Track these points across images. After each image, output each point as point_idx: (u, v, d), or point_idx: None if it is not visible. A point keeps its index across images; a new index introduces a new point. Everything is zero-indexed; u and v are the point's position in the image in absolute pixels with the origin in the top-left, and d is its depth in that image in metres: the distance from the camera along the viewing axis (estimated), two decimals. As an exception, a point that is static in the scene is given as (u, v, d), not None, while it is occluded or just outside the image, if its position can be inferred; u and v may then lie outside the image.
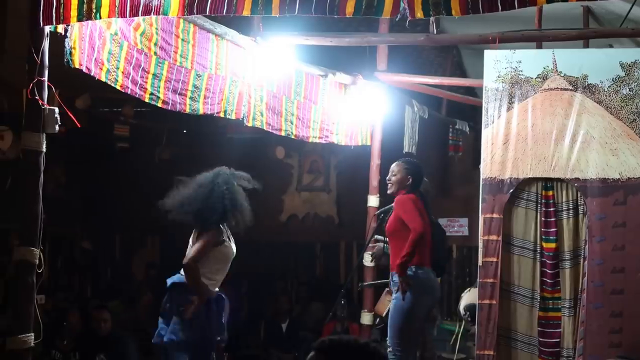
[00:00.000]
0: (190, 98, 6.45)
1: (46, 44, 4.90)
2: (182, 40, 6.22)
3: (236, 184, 6.69)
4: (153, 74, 5.95)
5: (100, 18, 4.88)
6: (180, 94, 6.32)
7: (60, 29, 5.00)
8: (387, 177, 7.49)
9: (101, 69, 5.42)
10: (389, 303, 7.74)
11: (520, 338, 7.47)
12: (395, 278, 7.08)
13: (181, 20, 6.19)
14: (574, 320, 7.33)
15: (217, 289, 6.61)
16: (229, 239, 6.65)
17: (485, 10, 4.49)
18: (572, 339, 7.32)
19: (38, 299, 4.99)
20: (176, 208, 6.56)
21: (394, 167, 7.49)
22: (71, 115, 5.20)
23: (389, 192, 7.47)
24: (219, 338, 6.63)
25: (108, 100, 9.96)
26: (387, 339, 7.24)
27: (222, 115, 6.93)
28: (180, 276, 6.51)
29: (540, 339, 7.40)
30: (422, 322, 7.34)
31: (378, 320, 8.52)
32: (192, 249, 6.39)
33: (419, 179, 7.43)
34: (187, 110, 6.47)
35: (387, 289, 8.05)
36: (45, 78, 4.90)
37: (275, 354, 10.54)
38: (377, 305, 8.49)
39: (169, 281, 6.57)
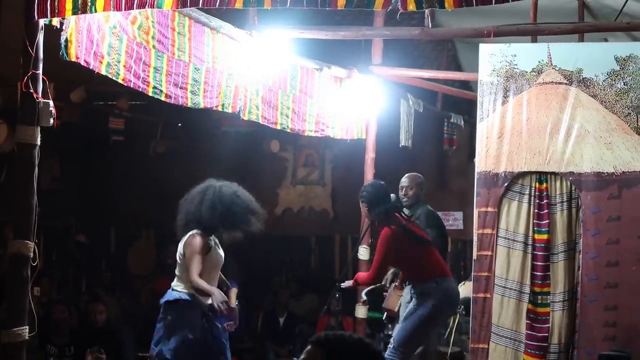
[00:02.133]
0: (191, 92, 6.46)
1: (41, 37, 4.89)
2: (179, 33, 6.21)
3: (226, 194, 6.63)
4: (154, 68, 5.95)
5: (96, 11, 4.87)
6: (181, 88, 6.32)
7: (56, 22, 4.99)
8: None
9: (101, 62, 5.41)
10: (399, 298, 7.84)
11: (506, 334, 7.47)
12: (420, 289, 7.19)
13: (176, 14, 6.18)
14: (564, 314, 7.34)
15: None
16: (217, 246, 6.65)
17: (478, 4, 4.48)
18: (563, 334, 7.33)
19: (34, 291, 4.99)
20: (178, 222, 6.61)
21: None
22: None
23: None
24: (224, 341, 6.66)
25: (103, 93, 9.96)
26: (392, 337, 7.28)
27: (220, 108, 6.94)
28: (173, 293, 6.51)
29: (528, 332, 7.40)
30: (434, 331, 7.44)
31: (386, 315, 8.52)
32: (189, 268, 6.39)
33: (379, 203, 7.32)
34: (189, 104, 6.47)
35: (394, 283, 8.11)
36: (40, 71, 4.89)
37: (271, 347, 10.55)
38: (386, 301, 8.49)
39: (163, 300, 6.57)
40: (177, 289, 6.51)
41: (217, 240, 6.70)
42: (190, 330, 6.37)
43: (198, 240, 6.45)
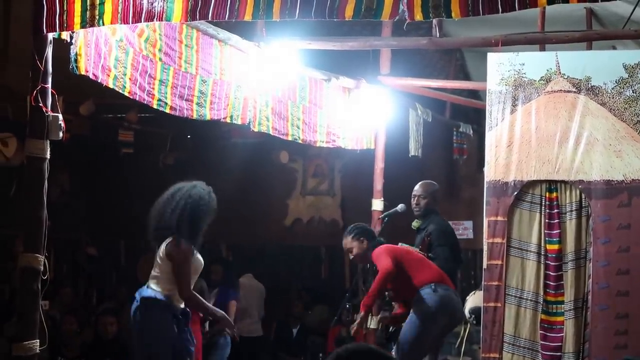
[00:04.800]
0: (197, 104, 6.45)
1: (49, 51, 4.90)
2: (186, 45, 6.23)
3: (201, 197, 6.53)
4: (160, 80, 5.96)
5: (104, 24, 4.89)
6: (187, 100, 6.32)
7: (65, 35, 5.01)
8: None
9: (108, 75, 5.43)
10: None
11: (523, 344, 7.45)
12: (416, 296, 7.11)
13: (184, 26, 6.20)
14: (575, 322, 7.32)
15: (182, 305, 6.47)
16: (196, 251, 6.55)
17: (485, 12, 4.48)
18: (573, 342, 7.31)
19: (42, 305, 5.00)
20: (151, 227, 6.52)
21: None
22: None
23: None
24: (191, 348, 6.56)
25: (112, 106, 10.00)
26: (394, 349, 7.24)
27: (228, 120, 6.93)
28: (149, 290, 6.35)
29: (542, 343, 7.40)
30: (434, 342, 7.31)
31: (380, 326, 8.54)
32: (182, 280, 6.30)
33: (373, 236, 7.46)
34: (194, 116, 6.46)
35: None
36: (49, 85, 4.90)
37: (284, 358, 10.55)
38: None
39: (138, 295, 6.40)
40: (153, 287, 6.34)
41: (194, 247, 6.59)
42: (160, 333, 6.29)
43: (186, 248, 6.29)
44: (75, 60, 5.11)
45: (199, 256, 6.50)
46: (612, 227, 7.22)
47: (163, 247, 6.37)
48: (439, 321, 7.10)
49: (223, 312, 6.54)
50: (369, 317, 8.95)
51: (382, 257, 7.06)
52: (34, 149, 4.90)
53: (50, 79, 4.91)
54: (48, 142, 4.92)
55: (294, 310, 11.05)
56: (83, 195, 12.67)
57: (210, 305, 6.53)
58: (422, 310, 7.01)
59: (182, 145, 12.03)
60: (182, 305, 6.41)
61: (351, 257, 7.54)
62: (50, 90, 4.91)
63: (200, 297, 6.45)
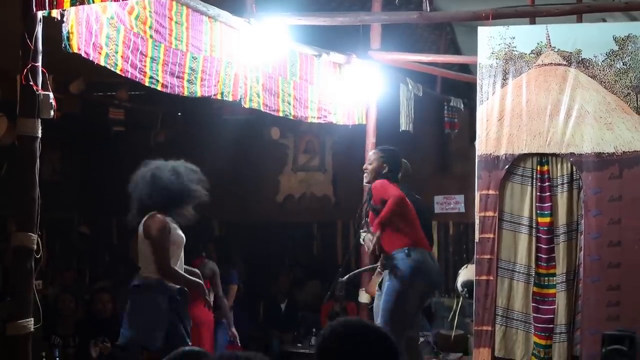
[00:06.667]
0: (188, 81, 6.44)
1: (39, 29, 4.88)
2: (176, 22, 6.20)
3: (182, 174, 6.55)
4: (151, 58, 5.94)
5: (94, 2, 4.87)
6: (178, 77, 6.31)
7: (55, 13, 4.98)
8: (364, 166, 7.48)
9: (100, 53, 5.41)
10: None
11: (516, 317, 7.51)
12: (390, 261, 6.99)
13: (174, 3, 6.17)
14: (567, 294, 7.37)
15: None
16: (178, 227, 6.55)
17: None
18: (565, 315, 7.36)
19: (36, 285, 5.00)
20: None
21: (370, 155, 7.51)
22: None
23: (365, 181, 7.44)
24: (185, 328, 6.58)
25: (102, 84, 9.95)
26: (379, 319, 7.17)
27: (219, 97, 6.92)
28: (140, 277, 6.44)
29: (535, 315, 7.44)
30: (415, 307, 7.22)
31: (370, 300, 8.55)
32: (156, 257, 6.33)
33: (396, 166, 7.34)
34: (185, 93, 6.46)
35: (377, 270, 8.03)
36: (39, 63, 4.89)
37: (275, 334, 10.57)
38: (368, 286, 8.55)
39: (131, 284, 6.52)
40: (143, 273, 6.42)
41: (175, 221, 6.59)
42: (155, 315, 6.32)
43: (161, 222, 6.36)
44: (68, 39, 5.08)
45: (179, 231, 6.50)
46: (604, 200, 7.26)
47: (141, 227, 6.42)
48: (416, 286, 6.99)
49: (199, 281, 6.49)
50: (360, 292, 9.02)
51: (391, 188, 7.00)
52: (25, 128, 4.88)
53: (40, 58, 4.89)
54: (39, 120, 4.90)
55: (280, 286, 11.07)
56: (75, 174, 12.64)
57: (187, 276, 6.46)
58: (398, 276, 6.92)
59: (173, 122, 12.00)
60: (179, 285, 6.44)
61: (365, 171, 7.41)
62: (40, 68, 4.90)
63: (178, 270, 6.41)
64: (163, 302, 6.33)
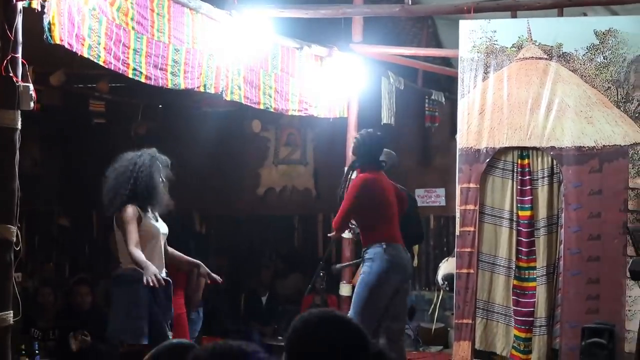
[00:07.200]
0: (171, 73, 6.42)
1: (19, 20, 4.85)
2: (157, 14, 6.18)
3: (153, 166, 6.51)
4: (134, 49, 5.92)
5: (75, -7, 4.85)
6: (161, 69, 6.29)
7: (36, 4, 4.95)
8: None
9: (82, 44, 5.39)
10: None
11: (497, 309, 7.53)
12: (368, 254, 6.96)
13: (155, -6, 6.15)
14: (547, 288, 7.40)
15: (162, 273, 6.45)
16: (153, 218, 6.50)
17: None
18: (545, 308, 7.39)
19: (15, 277, 4.97)
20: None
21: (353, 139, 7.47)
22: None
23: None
24: (169, 321, 6.55)
25: (82, 76, 9.90)
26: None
27: (202, 89, 6.90)
28: (120, 268, 6.41)
29: (515, 308, 7.47)
30: (387, 299, 7.17)
31: (351, 292, 8.54)
32: (125, 240, 6.26)
33: (371, 149, 7.12)
34: (169, 85, 6.44)
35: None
36: (20, 55, 4.86)
37: (255, 327, 10.56)
38: (355, 279, 8.55)
39: (113, 276, 6.52)
40: (123, 264, 6.39)
41: (154, 213, 6.57)
42: (135, 305, 6.30)
43: (128, 210, 6.28)
44: (49, 30, 5.06)
45: (154, 222, 6.45)
46: (584, 193, 7.29)
47: (113, 220, 6.40)
48: (391, 280, 6.93)
49: (146, 262, 6.41)
50: (341, 284, 9.02)
51: (351, 193, 6.95)
52: (4, 120, 4.85)
53: (20, 49, 4.86)
54: (19, 112, 4.88)
55: (262, 278, 11.06)
56: (55, 166, 12.58)
57: (138, 258, 6.38)
58: (372, 269, 6.92)
59: (153, 115, 11.95)
60: (163, 275, 6.41)
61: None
62: (20, 60, 4.87)
63: (137, 251, 6.34)
64: (143, 293, 6.29)
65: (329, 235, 7.23)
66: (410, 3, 7.87)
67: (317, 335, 2.92)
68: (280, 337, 10.18)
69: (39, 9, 4.98)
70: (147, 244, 6.39)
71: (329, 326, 2.95)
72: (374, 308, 6.96)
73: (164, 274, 6.45)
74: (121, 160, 6.54)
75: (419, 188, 11.24)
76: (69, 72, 9.36)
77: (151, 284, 6.02)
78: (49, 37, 5.09)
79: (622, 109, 7.27)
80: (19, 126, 4.89)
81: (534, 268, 7.46)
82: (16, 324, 5.10)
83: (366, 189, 6.94)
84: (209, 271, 6.86)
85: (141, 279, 6.14)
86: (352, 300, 7.09)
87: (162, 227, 6.58)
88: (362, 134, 7.24)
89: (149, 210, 6.46)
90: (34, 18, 5.00)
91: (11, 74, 4.80)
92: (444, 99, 11.12)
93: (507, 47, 7.52)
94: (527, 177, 7.48)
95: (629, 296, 7.15)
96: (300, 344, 2.94)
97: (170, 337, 6.39)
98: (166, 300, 6.50)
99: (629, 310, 7.14)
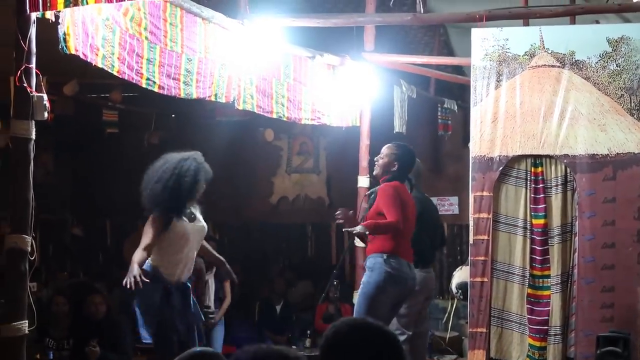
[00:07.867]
0: (184, 82, 6.44)
1: (33, 30, 4.87)
2: (170, 24, 6.20)
3: (195, 172, 6.49)
4: (147, 59, 5.94)
5: (87, 4, 4.86)
6: (174, 79, 6.31)
7: (49, 15, 4.97)
8: (376, 158, 7.34)
9: (97, 54, 5.41)
10: None
11: (512, 318, 7.51)
12: (368, 263, 6.87)
13: (168, 4, 6.17)
14: (561, 296, 7.38)
15: (183, 278, 6.49)
16: (191, 218, 6.50)
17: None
18: (560, 316, 7.37)
19: (30, 287, 4.99)
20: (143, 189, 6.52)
21: (384, 149, 7.21)
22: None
23: (374, 173, 7.31)
24: (196, 325, 6.56)
25: (96, 86, 9.95)
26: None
27: (213, 98, 6.91)
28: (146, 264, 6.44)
29: (529, 317, 7.45)
30: (388, 312, 7.08)
31: None
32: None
33: (406, 165, 7.08)
34: (182, 95, 6.45)
35: None
36: (33, 65, 4.87)
37: (269, 335, 10.56)
38: None
39: None
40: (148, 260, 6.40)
41: (193, 211, 6.55)
42: (147, 308, 6.32)
43: (152, 219, 6.34)
44: (64, 40, 5.08)
45: (188, 223, 6.44)
46: (598, 201, 7.26)
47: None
48: (389, 292, 6.81)
49: (132, 264, 6.20)
50: (355, 293, 8.98)
51: (393, 206, 6.72)
52: (19, 130, 4.87)
53: (34, 59, 4.88)
54: (33, 122, 4.89)
55: (276, 287, 11.06)
56: (68, 176, 12.63)
57: (133, 259, 6.37)
58: (371, 280, 6.80)
59: (166, 124, 11.99)
60: (183, 280, 6.43)
61: (375, 163, 7.17)
62: (34, 70, 4.88)
63: (136, 257, 6.28)
64: (155, 290, 6.28)
65: (348, 230, 6.97)
66: (422, 11, 7.86)
67: (351, 343, 2.92)
68: (294, 346, 10.18)
69: (53, 20, 5.00)
70: (175, 245, 6.42)
71: (362, 333, 2.95)
72: (374, 318, 6.90)
73: (184, 278, 6.48)
74: (165, 161, 6.50)
75: (432, 196, 11.22)
76: (82, 82, 9.40)
77: (128, 285, 6.00)
78: (64, 47, 5.11)
79: (635, 116, 7.25)
80: (34, 136, 4.90)
81: (548, 276, 7.44)
82: (31, 333, 5.11)
83: (400, 196, 6.81)
84: (230, 270, 6.97)
85: (154, 281, 6.17)
86: (355, 309, 7.08)
87: (197, 227, 6.57)
88: (399, 149, 7.13)
89: (184, 211, 6.46)
90: (45, 27, 5.02)
91: (25, 85, 4.82)
92: (456, 107, 11.13)
93: (519, 55, 7.51)
94: (541, 185, 7.46)
95: (644, 304, 7.13)
96: (334, 354, 2.93)
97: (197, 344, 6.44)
98: (184, 305, 6.50)
99: (644, 319, 7.12)
